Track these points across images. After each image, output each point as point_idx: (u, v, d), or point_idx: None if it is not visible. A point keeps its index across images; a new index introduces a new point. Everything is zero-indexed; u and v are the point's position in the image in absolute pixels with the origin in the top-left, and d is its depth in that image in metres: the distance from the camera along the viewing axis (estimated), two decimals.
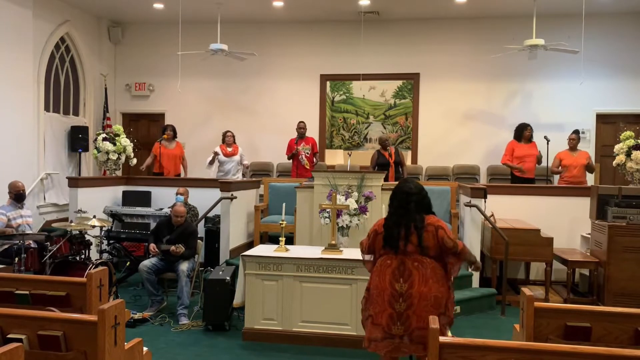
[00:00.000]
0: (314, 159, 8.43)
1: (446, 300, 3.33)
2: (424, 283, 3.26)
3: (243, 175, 8.49)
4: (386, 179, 7.04)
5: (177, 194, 6.86)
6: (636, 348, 2.66)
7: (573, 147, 7.59)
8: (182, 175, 8.46)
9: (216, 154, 8.17)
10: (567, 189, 7.15)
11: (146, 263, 5.54)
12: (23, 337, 2.52)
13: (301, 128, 8.34)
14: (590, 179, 8.33)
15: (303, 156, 8.22)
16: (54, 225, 6.15)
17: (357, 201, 5.58)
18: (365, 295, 3.52)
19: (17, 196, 6.08)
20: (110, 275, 5.40)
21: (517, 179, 7.71)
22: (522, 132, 7.86)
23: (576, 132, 7.77)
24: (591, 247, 6.23)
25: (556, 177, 8.25)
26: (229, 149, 8.23)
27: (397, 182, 6.32)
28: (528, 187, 7.29)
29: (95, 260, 5.67)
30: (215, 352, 4.60)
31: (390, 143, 7.90)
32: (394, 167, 7.60)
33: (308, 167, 8.15)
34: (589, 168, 7.55)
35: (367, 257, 3.62)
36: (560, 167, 7.59)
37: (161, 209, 7.39)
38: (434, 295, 3.26)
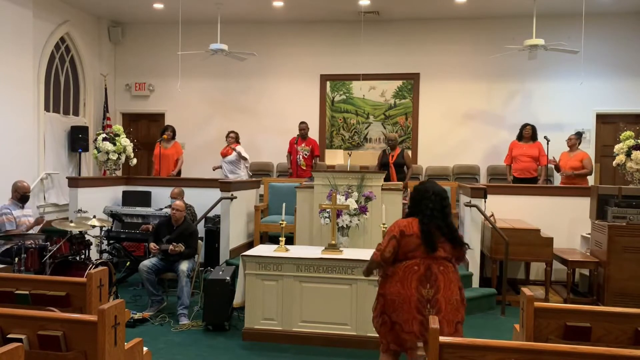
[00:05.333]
0: (313, 162, 8.40)
1: (461, 303, 3.34)
2: (448, 287, 3.23)
3: (240, 168, 8.30)
4: (387, 179, 7.04)
5: (171, 197, 6.82)
6: (636, 348, 2.66)
7: (571, 147, 7.61)
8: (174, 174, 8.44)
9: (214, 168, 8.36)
10: (567, 189, 7.16)
11: (146, 263, 5.54)
12: (23, 337, 2.52)
13: (302, 129, 8.33)
14: (590, 179, 8.33)
15: (301, 157, 8.20)
16: (54, 225, 6.14)
17: (357, 201, 5.58)
18: (380, 301, 3.34)
19: (23, 197, 6.08)
20: (110, 275, 5.40)
21: (515, 178, 7.77)
22: (521, 132, 7.90)
23: (577, 133, 7.80)
24: (591, 247, 6.22)
25: (557, 178, 8.26)
26: (225, 149, 8.23)
27: (398, 183, 6.27)
28: (528, 187, 7.29)
29: (95, 260, 5.67)
30: (215, 352, 4.60)
31: (396, 143, 7.87)
32: (394, 168, 7.57)
33: (305, 168, 8.13)
34: (582, 175, 7.48)
35: (387, 268, 3.38)
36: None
37: (161, 209, 7.38)
38: (456, 298, 3.25)
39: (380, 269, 3.45)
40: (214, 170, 8.43)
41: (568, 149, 7.67)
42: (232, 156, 8.14)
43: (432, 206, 3.31)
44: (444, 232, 3.29)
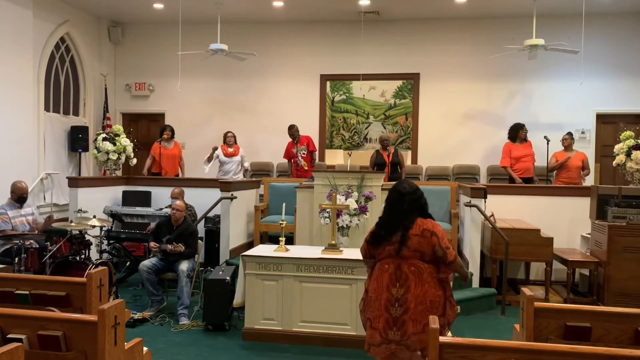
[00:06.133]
0: (312, 158, 8.40)
1: (444, 303, 3.31)
2: (420, 287, 3.23)
3: (244, 176, 8.47)
4: None
5: (171, 197, 6.83)
6: (636, 348, 2.66)
7: (567, 147, 7.63)
8: (180, 176, 8.47)
9: (215, 149, 8.25)
10: (567, 189, 7.16)
11: (146, 263, 5.54)
12: (23, 337, 2.52)
13: (292, 134, 8.32)
14: (590, 179, 8.33)
15: (300, 157, 8.21)
16: (54, 225, 6.14)
17: (357, 201, 5.58)
18: (364, 297, 3.49)
19: (20, 199, 6.09)
20: (110, 275, 5.40)
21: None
22: (518, 133, 7.89)
23: (569, 133, 7.81)
24: (591, 247, 6.22)
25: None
26: (230, 149, 8.24)
27: (393, 183, 6.32)
28: (528, 187, 7.29)
29: (95, 260, 5.67)
30: (215, 352, 4.60)
31: (391, 143, 7.88)
32: (390, 167, 7.58)
33: (306, 168, 8.14)
34: (584, 170, 7.53)
35: (369, 262, 3.55)
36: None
37: (161, 209, 7.38)
38: (429, 299, 3.23)
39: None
40: (210, 157, 8.31)
41: (564, 149, 7.69)
42: (238, 157, 8.24)
43: (390, 202, 3.43)
44: (396, 230, 3.31)
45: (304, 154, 8.26)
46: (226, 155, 8.23)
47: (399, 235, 3.30)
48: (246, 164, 8.42)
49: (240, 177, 8.26)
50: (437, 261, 3.31)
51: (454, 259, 3.31)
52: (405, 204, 3.36)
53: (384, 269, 3.33)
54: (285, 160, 8.76)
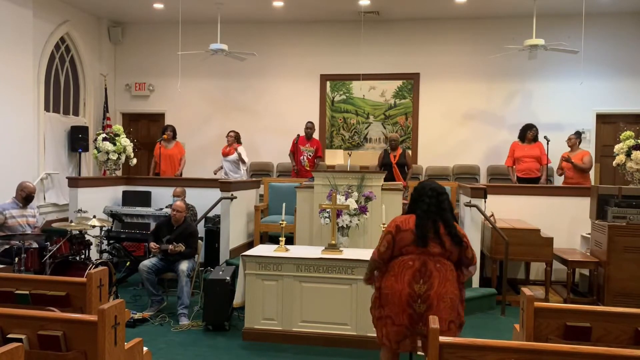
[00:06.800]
0: (316, 163, 8.39)
1: (458, 303, 3.33)
2: (443, 285, 3.24)
3: (245, 171, 8.38)
4: (390, 179, 7.04)
5: (173, 196, 6.85)
6: (636, 348, 2.66)
7: (572, 147, 7.63)
8: (177, 175, 8.45)
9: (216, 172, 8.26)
10: (567, 189, 7.16)
11: (146, 263, 5.54)
12: (23, 337, 2.52)
13: (308, 129, 8.34)
14: (591, 179, 8.33)
15: (305, 157, 8.21)
16: (54, 225, 6.15)
17: (357, 201, 5.58)
18: (376, 295, 3.43)
19: (27, 197, 6.08)
20: (110, 275, 5.40)
21: (520, 178, 7.76)
22: (525, 133, 7.90)
23: (576, 133, 7.80)
24: (591, 247, 6.22)
25: (557, 178, 8.27)
26: (227, 149, 8.24)
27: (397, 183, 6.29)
28: (528, 187, 7.29)
29: (95, 260, 5.67)
30: (215, 352, 4.60)
31: (397, 144, 7.87)
32: (397, 168, 7.58)
33: (308, 169, 8.14)
34: (578, 168, 7.47)
35: (380, 263, 3.44)
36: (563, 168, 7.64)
37: (161, 209, 7.38)
38: (450, 297, 3.25)
39: (379, 270, 3.49)
40: (215, 173, 8.43)
41: (569, 149, 7.68)
42: (234, 156, 8.16)
43: (428, 201, 3.38)
44: (437, 227, 3.30)
45: (309, 155, 8.27)
46: (223, 154, 8.26)
47: (432, 231, 3.30)
48: (244, 156, 8.11)
49: (240, 175, 8.20)
50: (459, 263, 3.36)
51: (475, 264, 3.42)
52: (445, 203, 3.39)
53: (408, 265, 3.29)
54: (287, 159, 8.75)
